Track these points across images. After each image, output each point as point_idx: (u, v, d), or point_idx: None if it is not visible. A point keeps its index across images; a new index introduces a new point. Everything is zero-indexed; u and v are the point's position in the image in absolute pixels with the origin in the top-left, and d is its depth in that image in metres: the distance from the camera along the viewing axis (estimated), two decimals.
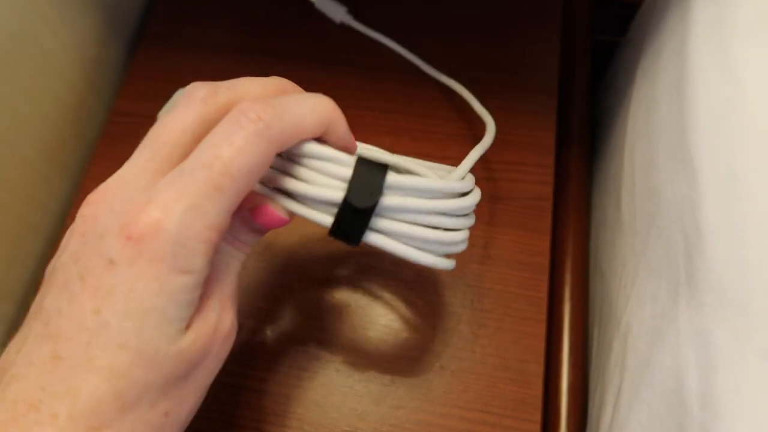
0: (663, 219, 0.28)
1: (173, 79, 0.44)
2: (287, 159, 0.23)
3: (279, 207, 0.24)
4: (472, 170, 0.29)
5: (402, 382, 0.34)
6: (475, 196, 0.25)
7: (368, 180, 0.22)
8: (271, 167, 0.23)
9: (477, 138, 0.41)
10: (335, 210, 0.23)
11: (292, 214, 0.24)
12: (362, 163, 0.23)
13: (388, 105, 0.43)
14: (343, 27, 0.44)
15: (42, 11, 0.35)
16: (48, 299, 0.20)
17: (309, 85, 0.43)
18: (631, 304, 0.29)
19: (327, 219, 0.23)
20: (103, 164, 0.40)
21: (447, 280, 0.36)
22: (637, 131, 0.34)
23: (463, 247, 0.26)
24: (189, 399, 0.22)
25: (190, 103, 0.22)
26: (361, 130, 0.42)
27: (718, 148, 0.25)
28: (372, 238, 0.23)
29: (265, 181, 0.24)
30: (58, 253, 0.21)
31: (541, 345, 0.35)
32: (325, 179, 0.23)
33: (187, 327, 0.21)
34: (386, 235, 0.23)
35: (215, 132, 0.20)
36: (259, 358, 0.34)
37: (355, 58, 0.44)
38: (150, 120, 0.43)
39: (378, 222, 0.23)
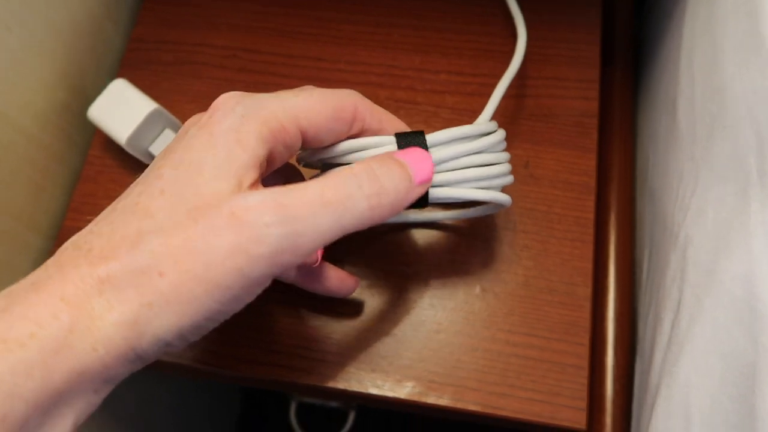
0: (729, 117, 0.25)
1: (192, 3, 0.42)
2: (332, 164, 0.26)
3: None
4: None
5: (441, 305, 0.32)
6: (503, 132, 0.28)
7: (413, 140, 0.25)
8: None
9: (511, 53, 0.38)
10: None
11: None
12: (401, 137, 0.25)
13: (419, 21, 0.40)
14: None
15: None
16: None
17: (338, 4, 0.41)
18: (691, 215, 0.27)
19: None
20: None
21: None
22: (697, 31, 0.31)
23: (510, 178, 0.28)
24: (183, 273, 0.19)
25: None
26: (390, 47, 0.40)
27: None
28: (436, 193, 0.26)
29: None
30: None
31: (589, 266, 0.33)
32: (375, 144, 0.26)
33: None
34: (446, 186, 0.26)
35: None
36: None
37: None
38: (169, 45, 0.41)
39: (435, 177, 0.25)
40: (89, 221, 0.22)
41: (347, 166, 0.22)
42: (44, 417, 0.19)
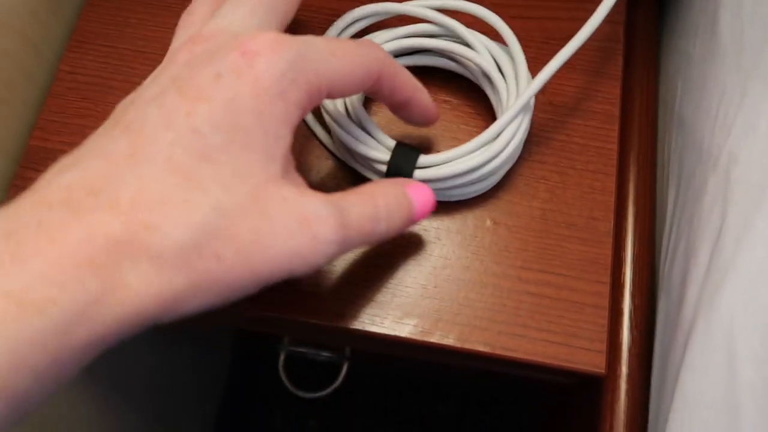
0: None
1: None
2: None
3: None
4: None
5: (448, 239, 0.29)
6: (505, 154, 0.28)
7: (403, 162, 0.27)
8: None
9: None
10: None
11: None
12: (396, 154, 0.27)
13: None
14: None
15: None
16: (131, 112, 0.19)
17: None
18: (736, 132, 0.24)
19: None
20: (100, 5, 0.35)
21: None
22: None
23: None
24: (242, 261, 0.19)
25: None
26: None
27: None
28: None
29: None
30: (142, 88, 0.21)
31: (611, 200, 0.30)
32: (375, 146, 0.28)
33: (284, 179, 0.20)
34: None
35: None
36: None
37: None
38: None
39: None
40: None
41: (375, 191, 0.24)
42: (43, 386, 0.17)
